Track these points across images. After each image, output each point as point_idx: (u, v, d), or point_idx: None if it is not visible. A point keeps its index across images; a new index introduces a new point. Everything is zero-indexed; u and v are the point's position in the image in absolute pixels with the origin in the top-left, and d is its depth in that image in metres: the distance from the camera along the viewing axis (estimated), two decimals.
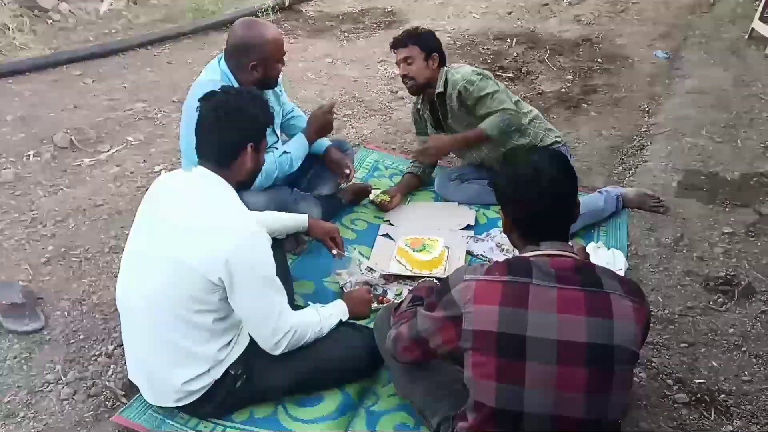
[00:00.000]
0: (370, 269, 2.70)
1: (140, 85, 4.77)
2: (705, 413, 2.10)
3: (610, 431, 1.47)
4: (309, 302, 2.27)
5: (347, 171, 2.92)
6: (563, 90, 4.62)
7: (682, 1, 6.37)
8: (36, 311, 2.51)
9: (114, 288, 1.97)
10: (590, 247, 2.80)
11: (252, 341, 1.96)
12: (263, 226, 1.90)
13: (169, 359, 1.88)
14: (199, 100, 1.88)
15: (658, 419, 2.08)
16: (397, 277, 2.70)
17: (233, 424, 2.01)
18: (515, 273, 1.48)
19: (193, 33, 5.80)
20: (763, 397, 2.15)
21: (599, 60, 5.11)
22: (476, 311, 1.47)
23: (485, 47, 5.44)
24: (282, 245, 2.43)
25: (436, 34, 3.10)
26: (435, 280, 2.53)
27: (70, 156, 3.78)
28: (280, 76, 2.69)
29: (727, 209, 3.15)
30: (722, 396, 2.16)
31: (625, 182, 3.45)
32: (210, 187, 1.85)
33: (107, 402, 2.16)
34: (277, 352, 1.93)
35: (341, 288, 2.61)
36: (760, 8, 5.08)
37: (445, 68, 3.04)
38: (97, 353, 2.36)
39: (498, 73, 4.83)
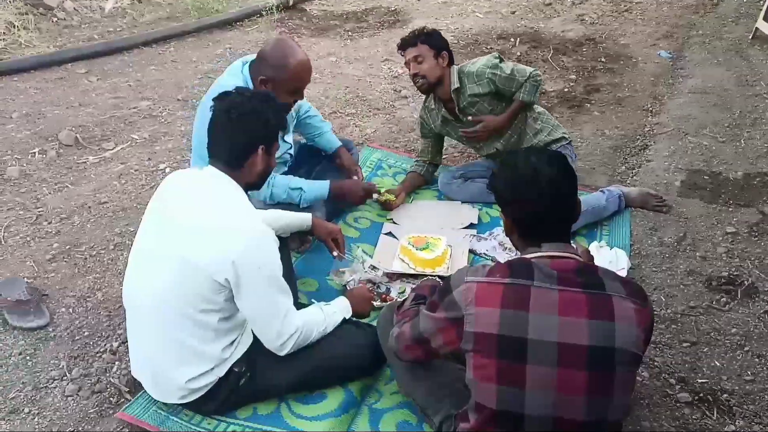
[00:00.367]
0: (374, 267, 2.71)
1: (145, 83, 4.79)
2: (707, 413, 2.10)
3: None
4: (313, 300, 2.28)
5: (355, 177, 2.99)
6: (566, 89, 4.61)
7: (686, 1, 6.36)
8: (41, 308, 2.52)
9: (119, 285, 1.99)
10: (593, 247, 2.80)
11: (255, 339, 1.97)
12: (267, 224, 1.90)
13: (174, 357, 1.88)
14: (213, 100, 1.89)
15: (660, 418, 2.08)
16: (400, 276, 2.71)
17: (237, 421, 2.02)
18: (517, 275, 1.48)
19: (198, 31, 5.80)
20: (766, 396, 2.16)
21: (602, 59, 5.11)
22: (477, 313, 1.47)
23: (489, 46, 5.43)
24: (287, 243, 2.43)
25: None
26: (438, 279, 2.54)
27: (75, 153, 3.80)
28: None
29: (730, 209, 3.15)
30: (725, 395, 2.16)
31: (628, 182, 3.45)
32: (219, 187, 1.86)
33: (111, 398, 2.17)
34: (282, 353, 1.94)
35: (344, 286, 2.62)
36: (764, 8, 5.06)
37: (455, 66, 3.06)
38: (101, 350, 2.37)
39: None
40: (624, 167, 3.62)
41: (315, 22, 6.27)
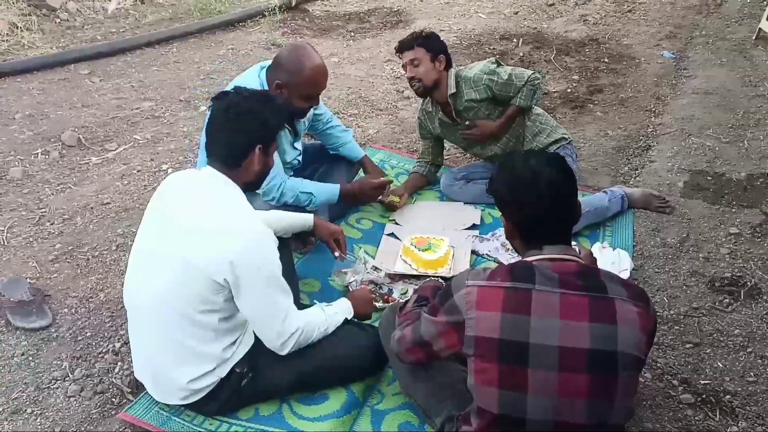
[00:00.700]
0: (376, 268, 2.71)
1: (147, 84, 4.79)
2: (710, 414, 2.10)
3: None
4: (315, 301, 2.28)
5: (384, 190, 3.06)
6: (569, 90, 4.61)
7: (689, 1, 6.35)
8: (43, 308, 2.53)
9: (121, 286, 1.99)
10: (596, 248, 2.80)
11: (257, 340, 1.97)
12: (268, 224, 1.91)
13: (175, 358, 1.89)
14: (212, 99, 1.89)
15: (663, 420, 2.08)
16: (403, 276, 2.71)
17: (238, 421, 2.02)
18: (518, 278, 1.47)
19: (200, 32, 5.81)
20: None
21: (605, 60, 5.10)
22: (478, 317, 1.47)
23: (491, 47, 5.43)
24: (288, 244, 2.43)
25: (443, 33, 3.11)
26: (440, 280, 2.54)
27: (78, 154, 3.81)
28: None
29: (733, 210, 3.14)
30: (727, 397, 2.16)
31: (631, 182, 3.44)
32: (217, 188, 1.86)
33: (114, 399, 2.17)
34: (283, 353, 1.94)
35: (346, 287, 2.61)
36: (767, 9, 5.06)
37: (453, 70, 3.05)
38: (103, 350, 2.37)
39: None
40: (627, 168, 3.62)
41: (317, 22, 6.28)
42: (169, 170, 3.61)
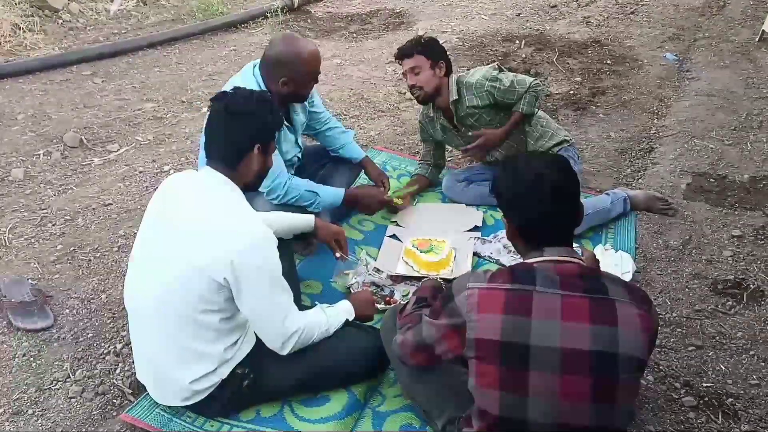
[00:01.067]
0: (377, 270, 2.70)
1: (149, 85, 4.80)
2: (712, 417, 2.09)
3: None
4: (316, 302, 2.27)
5: (381, 188, 3.04)
6: (572, 92, 4.60)
7: (692, 3, 6.35)
8: (45, 309, 2.53)
9: (122, 287, 1.99)
10: (598, 250, 2.79)
11: (259, 341, 1.97)
12: (269, 225, 1.90)
13: (176, 359, 1.88)
14: (210, 100, 1.90)
15: (665, 423, 2.07)
16: (404, 278, 2.70)
17: (240, 423, 2.02)
18: (519, 280, 1.47)
19: (202, 33, 5.81)
20: None
21: (608, 62, 5.10)
22: (479, 320, 1.47)
23: (494, 48, 5.43)
24: (289, 245, 2.43)
25: (445, 35, 3.11)
26: (440, 280, 2.53)
27: (80, 155, 3.81)
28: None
29: (736, 212, 3.14)
30: (730, 400, 2.15)
31: (633, 184, 3.43)
32: (217, 188, 1.86)
33: (115, 400, 2.17)
34: (284, 353, 1.93)
35: (348, 289, 2.61)
36: None
37: (454, 76, 3.05)
38: (105, 351, 2.37)
39: None
40: (629, 170, 3.61)
41: (319, 24, 6.28)
42: (171, 171, 3.61)
